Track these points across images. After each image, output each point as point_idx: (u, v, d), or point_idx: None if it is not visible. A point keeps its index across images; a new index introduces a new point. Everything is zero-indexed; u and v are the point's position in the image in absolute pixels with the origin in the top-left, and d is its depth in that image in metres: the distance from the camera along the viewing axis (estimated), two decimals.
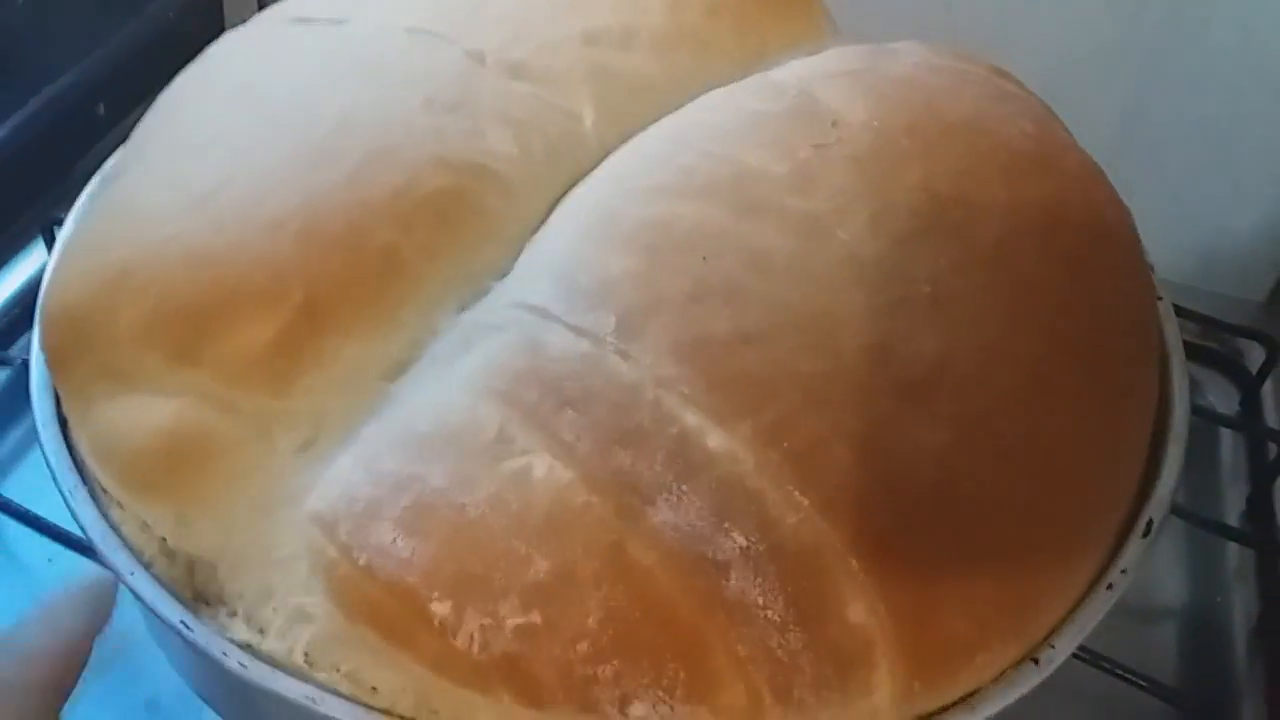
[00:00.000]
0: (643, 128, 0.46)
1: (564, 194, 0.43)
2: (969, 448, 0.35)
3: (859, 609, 0.32)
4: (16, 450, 0.58)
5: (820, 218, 0.39)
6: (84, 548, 0.42)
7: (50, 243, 0.61)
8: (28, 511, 0.48)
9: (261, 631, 0.34)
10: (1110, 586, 0.36)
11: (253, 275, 0.36)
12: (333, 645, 0.33)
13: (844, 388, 0.35)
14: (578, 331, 0.35)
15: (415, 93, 0.43)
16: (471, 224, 0.40)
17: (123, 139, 0.46)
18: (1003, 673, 0.34)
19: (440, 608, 0.31)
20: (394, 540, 0.31)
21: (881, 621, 0.32)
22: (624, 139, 0.45)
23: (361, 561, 0.32)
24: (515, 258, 0.40)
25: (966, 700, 0.34)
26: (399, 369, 0.37)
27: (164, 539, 0.36)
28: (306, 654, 0.33)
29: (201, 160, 0.40)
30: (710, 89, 0.47)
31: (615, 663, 0.30)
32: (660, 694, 0.31)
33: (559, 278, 0.37)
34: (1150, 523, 0.39)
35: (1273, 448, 0.55)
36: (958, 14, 0.61)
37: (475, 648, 0.30)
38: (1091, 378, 0.38)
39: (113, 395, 0.37)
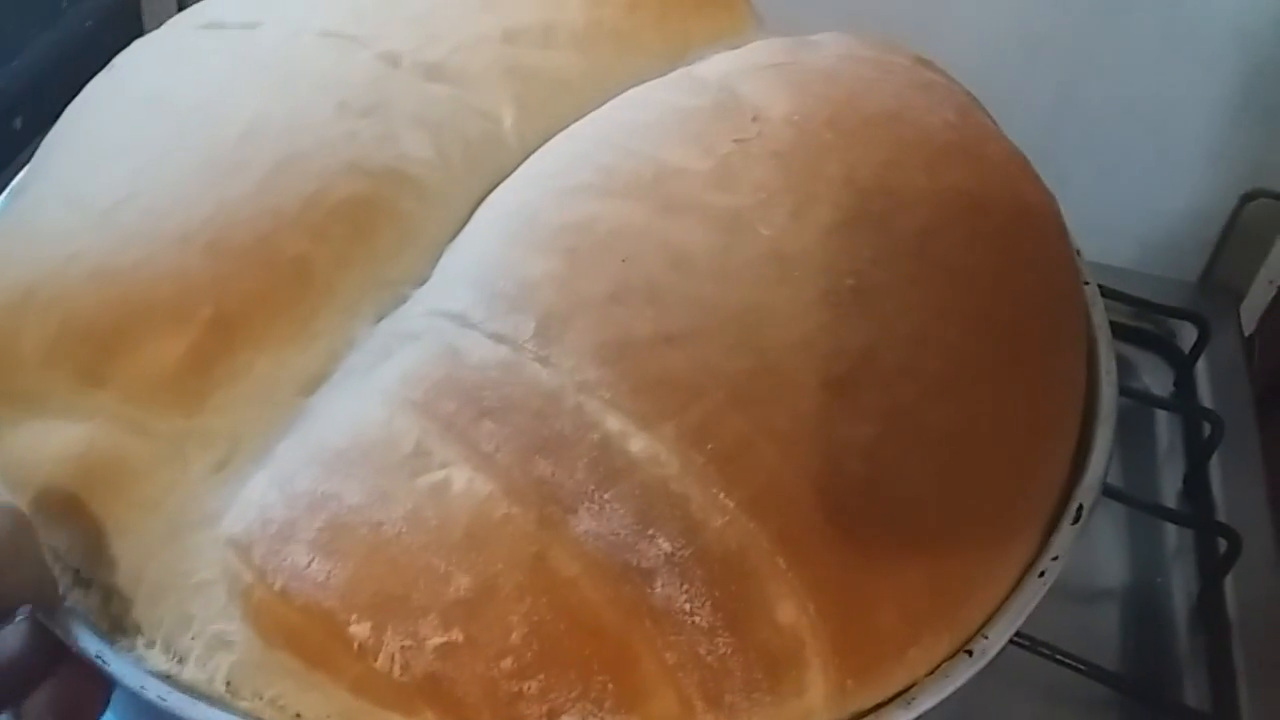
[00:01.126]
0: (564, 126, 0.45)
1: (484, 197, 0.42)
2: (896, 440, 0.35)
3: (788, 609, 0.32)
4: None
5: (742, 213, 0.39)
6: None
7: None
8: None
9: (180, 660, 0.33)
10: (1042, 574, 0.36)
11: (159, 291, 0.35)
12: (254, 672, 0.32)
13: (769, 384, 0.34)
14: (496, 338, 0.35)
15: (327, 98, 0.42)
16: (387, 231, 0.39)
17: None
18: (938, 665, 0.34)
19: (359, 630, 0.30)
20: (310, 563, 0.31)
21: (811, 620, 0.32)
22: (545, 138, 0.44)
23: (277, 586, 0.31)
24: (435, 264, 0.40)
25: (903, 695, 0.33)
26: (315, 382, 0.36)
27: (77, 569, 0.35)
28: (228, 682, 0.32)
29: (104, 174, 0.39)
30: (633, 85, 0.47)
31: (541, 677, 0.30)
32: (589, 706, 0.30)
33: (478, 283, 0.37)
34: (1080, 508, 0.39)
35: (1207, 426, 0.56)
36: (886, 3, 0.60)
37: (396, 669, 0.30)
38: (1017, 364, 0.38)
39: (19, 421, 0.36)
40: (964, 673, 0.34)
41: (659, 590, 0.31)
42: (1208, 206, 0.66)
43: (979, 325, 0.39)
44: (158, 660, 0.33)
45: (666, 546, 0.31)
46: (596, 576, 0.30)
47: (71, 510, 0.35)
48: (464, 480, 0.32)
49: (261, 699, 0.32)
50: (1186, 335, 0.61)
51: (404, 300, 0.38)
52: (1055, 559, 0.36)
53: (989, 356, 0.38)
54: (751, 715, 0.31)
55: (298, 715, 0.32)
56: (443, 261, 0.39)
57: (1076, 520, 0.38)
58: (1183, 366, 0.61)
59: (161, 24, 0.48)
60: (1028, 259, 0.42)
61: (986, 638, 0.34)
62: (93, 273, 0.36)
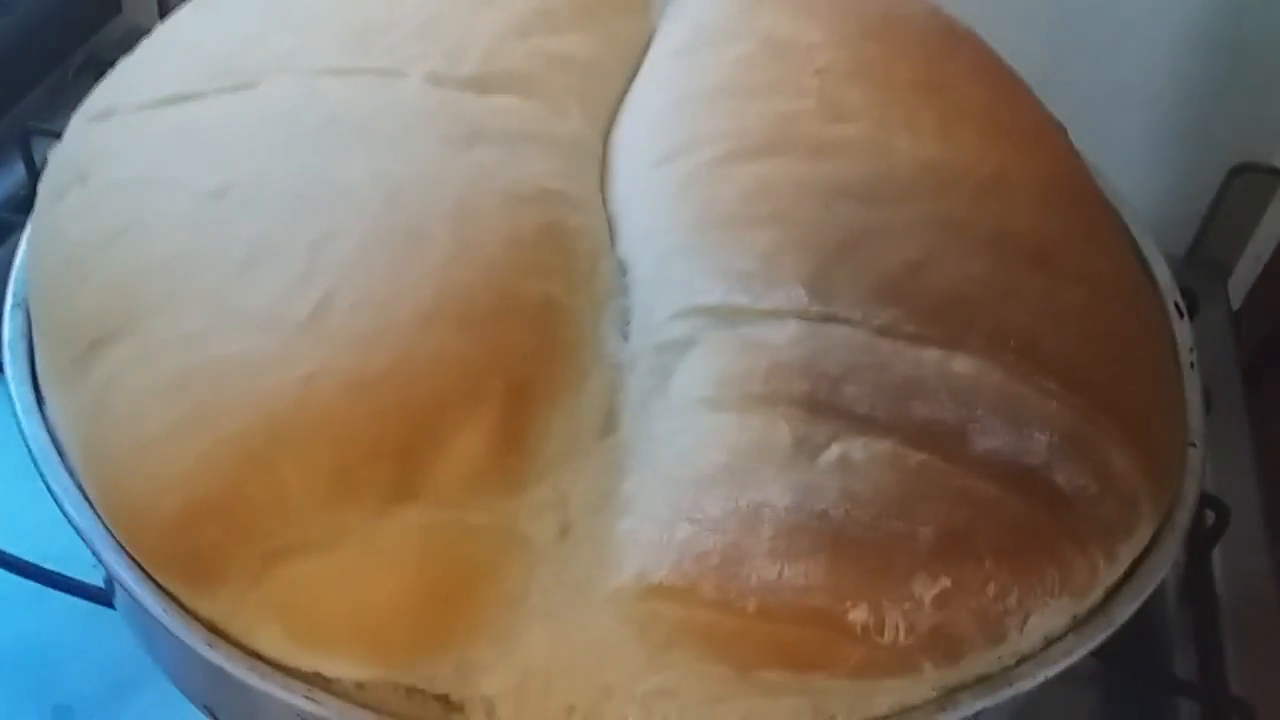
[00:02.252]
0: (613, 103, 0.45)
1: (601, 192, 0.41)
2: (1103, 298, 0.39)
3: (1119, 459, 0.36)
4: None
5: (873, 137, 0.41)
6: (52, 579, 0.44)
7: None
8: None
9: None
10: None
11: (440, 381, 0.32)
12: (710, 708, 0.32)
13: (1007, 277, 0.38)
14: (778, 314, 0.35)
15: (423, 137, 0.39)
16: (577, 246, 0.37)
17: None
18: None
19: (858, 614, 0.31)
20: (780, 573, 0.31)
21: (1133, 459, 0.36)
22: (607, 120, 0.44)
23: (751, 609, 0.30)
24: (616, 266, 0.39)
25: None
26: (606, 419, 0.35)
27: (446, 695, 0.32)
28: None
29: (258, 285, 0.34)
30: (639, 46, 0.47)
31: (1016, 590, 0.32)
32: (1045, 598, 0.33)
33: (712, 271, 0.37)
34: (1177, 304, 0.45)
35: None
36: None
37: (901, 635, 0.31)
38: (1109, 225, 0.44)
39: (302, 573, 0.32)
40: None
41: (1059, 478, 0.34)
42: (1196, 181, 0.66)
43: (1066, 184, 0.44)
44: None
45: (1042, 439, 0.34)
46: (1014, 486, 0.33)
47: (425, 641, 0.32)
48: (859, 447, 0.33)
49: None
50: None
51: (626, 311, 0.37)
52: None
53: (1093, 222, 0.43)
54: (1125, 555, 0.36)
55: None
56: (639, 265, 0.38)
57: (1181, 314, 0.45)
58: None
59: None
60: (1046, 113, 0.48)
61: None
62: (348, 387, 0.32)
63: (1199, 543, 0.51)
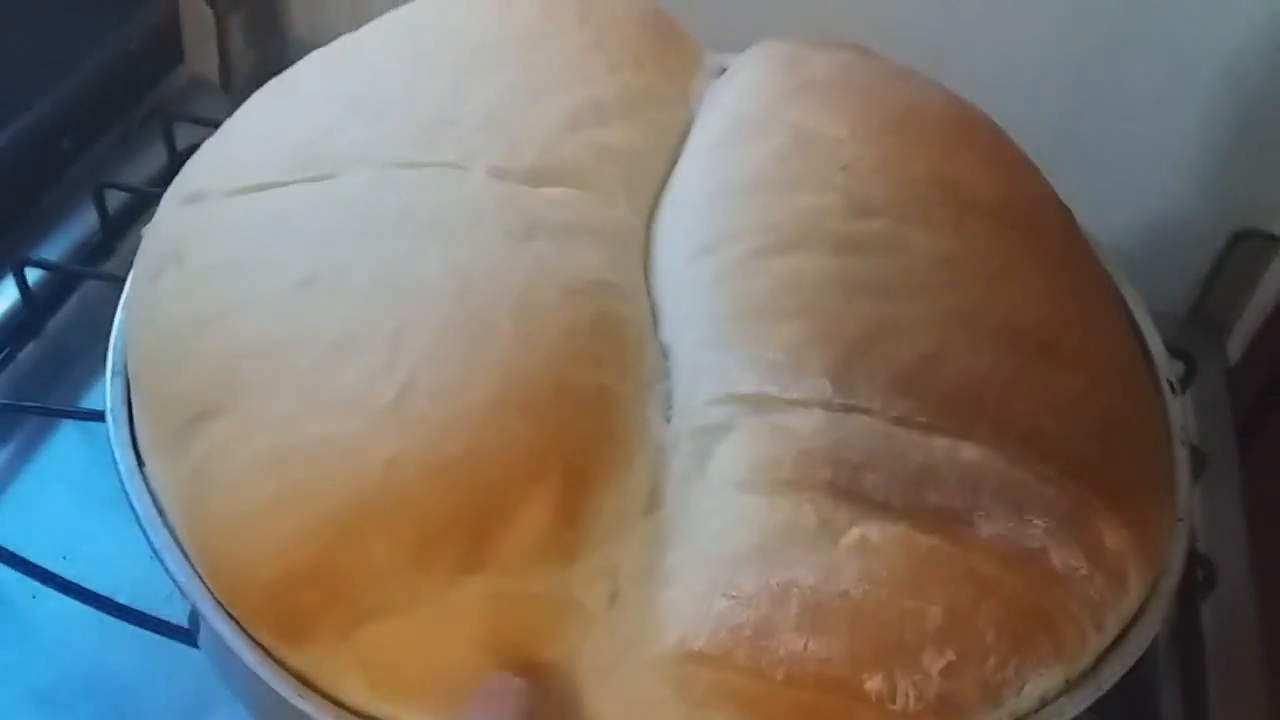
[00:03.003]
0: (655, 192, 0.49)
1: (647, 279, 0.46)
2: (1099, 385, 0.43)
3: (1111, 536, 0.40)
4: None
5: (894, 233, 0.45)
6: (63, 585, 0.48)
7: (22, 283, 0.62)
8: (7, 550, 0.49)
9: None
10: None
11: (506, 465, 0.36)
12: None
13: (1012, 369, 0.42)
14: (804, 404, 0.39)
15: (488, 232, 0.43)
16: (626, 335, 0.42)
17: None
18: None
19: (874, 684, 0.35)
20: (805, 646, 0.35)
21: (1124, 538, 0.40)
22: (649, 209, 0.48)
23: (780, 677, 0.35)
24: (660, 352, 0.43)
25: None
26: (651, 496, 0.39)
27: None
28: None
29: (345, 375, 0.38)
30: (678, 136, 0.51)
31: (1014, 661, 0.36)
32: (1039, 667, 0.37)
33: (745, 362, 0.41)
34: (1171, 383, 0.49)
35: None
36: (893, 37, 0.57)
37: (911, 702, 0.35)
38: (1105, 308, 0.48)
39: (385, 633, 0.36)
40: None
41: (1054, 560, 0.38)
42: (1198, 244, 0.70)
43: (1069, 272, 0.48)
44: None
45: (1040, 524, 0.38)
46: (1014, 568, 0.37)
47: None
48: (876, 530, 0.37)
49: None
50: (1173, 366, 0.59)
51: (668, 394, 0.41)
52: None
53: (1094, 307, 0.47)
54: (1113, 624, 0.40)
55: None
56: (679, 351, 0.42)
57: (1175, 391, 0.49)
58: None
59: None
60: (1053, 198, 0.52)
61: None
62: (427, 469, 0.36)
63: (1188, 597, 0.55)
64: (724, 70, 0.56)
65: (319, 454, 0.37)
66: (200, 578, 0.39)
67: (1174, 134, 0.67)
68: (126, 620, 0.49)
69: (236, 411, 0.39)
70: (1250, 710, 0.51)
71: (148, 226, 0.48)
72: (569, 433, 0.37)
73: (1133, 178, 0.69)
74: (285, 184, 0.45)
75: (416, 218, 0.43)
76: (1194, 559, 0.55)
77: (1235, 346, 0.74)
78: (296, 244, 0.43)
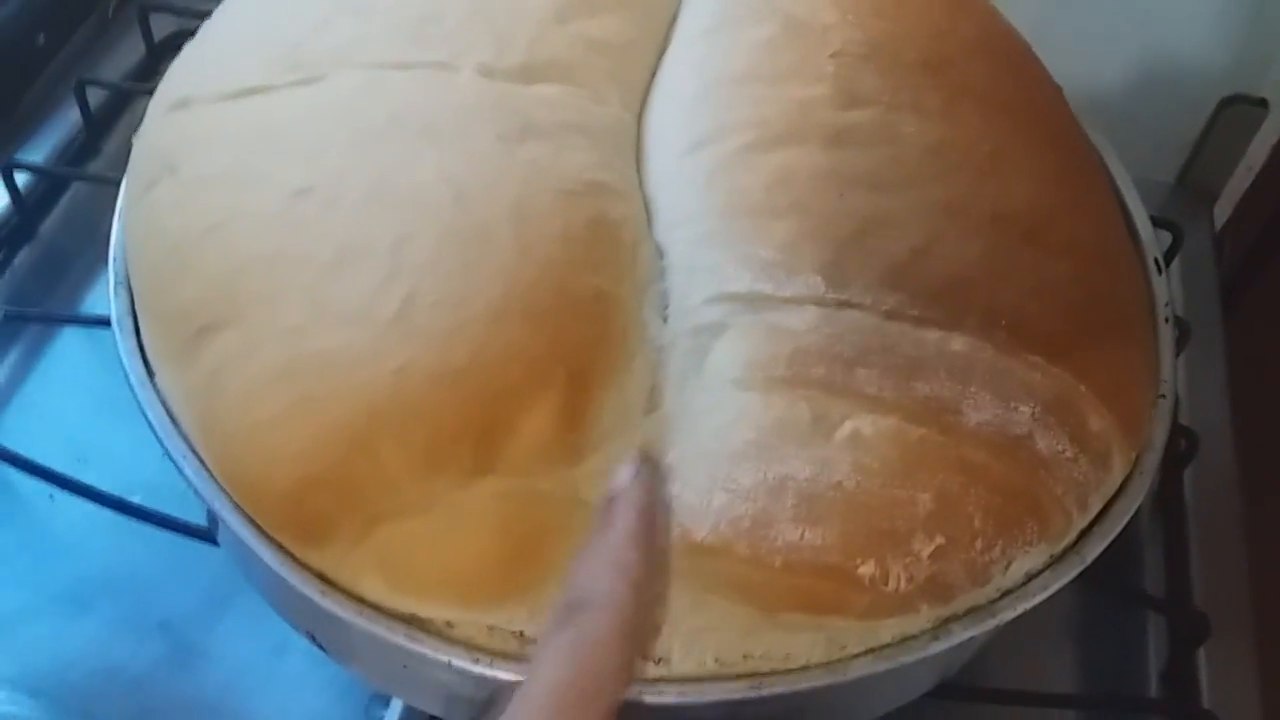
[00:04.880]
0: (647, 83, 0.49)
1: (639, 177, 0.46)
2: (1086, 269, 0.44)
3: (1094, 419, 0.41)
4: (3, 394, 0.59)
5: (883, 122, 0.45)
6: (82, 489, 0.50)
7: (11, 186, 0.62)
8: (24, 458, 0.51)
9: (663, 662, 0.38)
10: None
11: (511, 372, 0.38)
12: (742, 640, 0.38)
13: (1003, 256, 0.43)
14: (798, 301, 0.40)
15: (481, 134, 0.43)
16: (621, 236, 0.42)
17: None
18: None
19: (867, 569, 0.37)
20: (801, 535, 0.37)
21: (1107, 419, 0.42)
22: (641, 100, 0.48)
23: (778, 564, 0.37)
24: (655, 251, 0.44)
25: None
26: (651, 395, 0.40)
27: (521, 632, 0.39)
28: (716, 659, 0.38)
29: (348, 284, 0.39)
30: (667, 20, 0.51)
31: (1000, 543, 0.38)
32: (1025, 546, 0.39)
33: (739, 260, 0.41)
34: (1157, 260, 0.50)
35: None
36: None
37: (903, 584, 0.37)
38: (1086, 175, 0.48)
39: (400, 533, 0.38)
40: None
41: (1040, 445, 0.39)
42: (1188, 109, 0.69)
43: (1058, 154, 0.48)
44: (642, 670, 0.38)
45: (1026, 410, 0.39)
46: (1001, 454, 0.39)
47: (509, 586, 0.38)
48: (869, 424, 0.38)
49: (749, 659, 0.38)
50: (1161, 238, 0.58)
51: (664, 294, 0.42)
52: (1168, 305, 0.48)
53: (1081, 188, 0.48)
54: (1096, 503, 0.41)
55: (787, 655, 0.39)
56: (671, 249, 0.43)
57: (1160, 271, 0.50)
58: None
59: None
60: (1043, 78, 0.52)
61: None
62: (434, 377, 0.37)
63: (1171, 465, 0.57)
64: None
65: (327, 365, 0.38)
66: (218, 484, 0.40)
67: (1160, 4, 0.67)
68: (146, 521, 0.51)
69: (242, 324, 0.40)
70: (1230, 574, 0.54)
71: (136, 134, 0.47)
72: (569, 338, 0.38)
73: (1120, 45, 0.70)
74: (274, 88, 0.45)
75: (408, 122, 0.43)
76: (1177, 430, 0.56)
77: (1222, 210, 0.75)
78: (289, 153, 0.43)
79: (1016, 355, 0.40)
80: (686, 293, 0.41)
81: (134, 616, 0.53)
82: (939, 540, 0.37)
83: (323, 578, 0.39)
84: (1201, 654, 0.52)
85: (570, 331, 0.38)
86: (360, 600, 0.39)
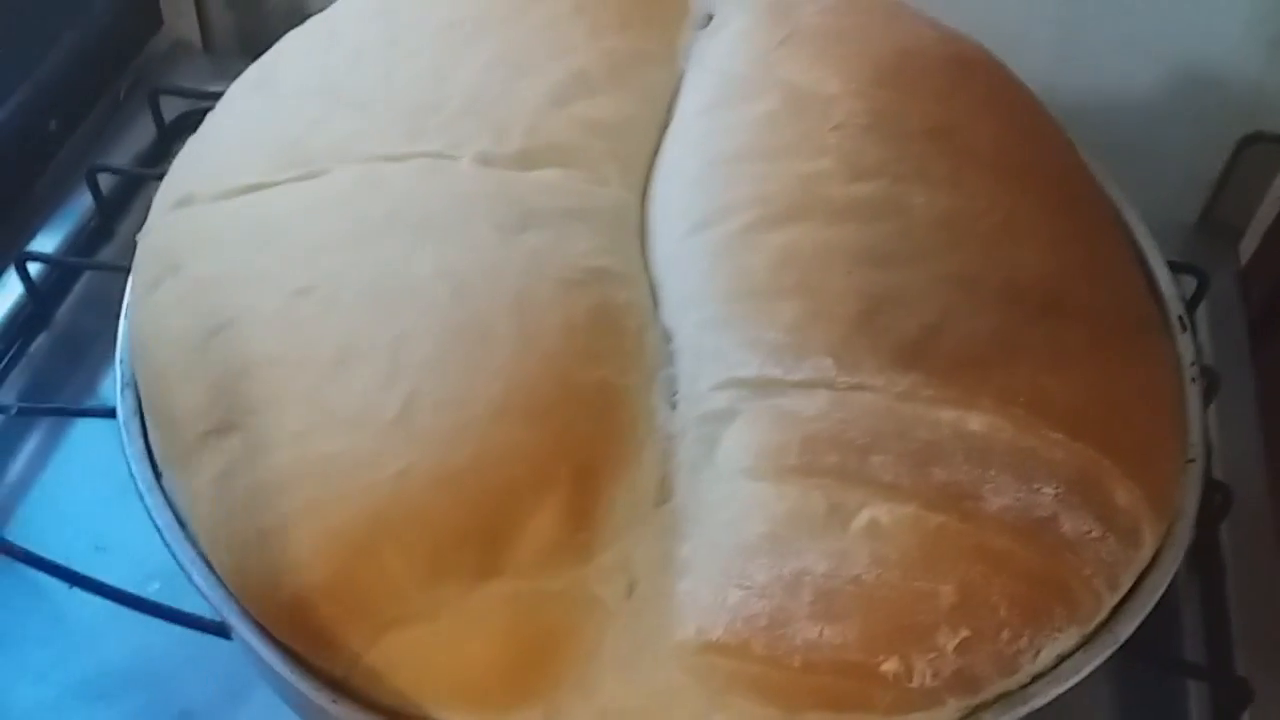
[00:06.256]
0: (648, 161, 0.48)
1: (644, 259, 0.45)
2: (1104, 334, 0.43)
3: (1121, 493, 0.40)
4: (14, 492, 0.58)
5: (891, 196, 0.45)
6: (96, 586, 0.49)
7: (25, 277, 0.62)
8: (38, 556, 0.50)
9: None
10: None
11: (513, 472, 0.37)
12: None
13: (1015, 333, 0.42)
14: (808, 385, 0.39)
15: (480, 226, 0.43)
16: (626, 324, 0.41)
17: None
18: None
19: (890, 665, 0.35)
20: (820, 633, 0.35)
21: (1134, 494, 0.40)
22: (643, 180, 0.48)
23: (797, 664, 0.35)
24: (662, 335, 0.43)
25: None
26: (661, 487, 0.39)
27: None
28: None
29: (347, 387, 0.39)
30: (668, 95, 0.50)
31: (1028, 632, 0.37)
32: (1053, 633, 0.37)
33: (746, 344, 0.41)
34: (1181, 319, 0.49)
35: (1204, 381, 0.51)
36: None
37: (928, 679, 0.36)
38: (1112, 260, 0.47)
39: (408, 641, 0.37)
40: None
41: (1065, 527, 0.38)
42: (1208, 148, 0.68)
43: (1071, 215, 0.47)
44: None
45: (1050, 491, 0.38)
46: (1024, 539, 0.37)
47: (520, 693, 0.37)
48: (885, 513, 0.37)
49: None
50: (1186, 283, 0.59)
51: (673, 380, 0.41)
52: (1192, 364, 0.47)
53: (1098, 250, 0.46)
54: (1127, 580, 0.40)
55: None
56: (682, 332, 0.42)
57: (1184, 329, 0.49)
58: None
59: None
60: (1054, 133, 0.51)
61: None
62: (437, 481, 0.37)
63: (1205, 522, 0.55)
64: (710, 18, 0.55)
65: (329, 470, 0.37)
66: (227, 590, 0.40)
67: (1179, 37, 0.66)
68: (160, 617, 0.50)
69: (245, 429, 0.39)
70: (1272, 635, 0.52)
71: (140, 233, 0.47)
72: (574, 433, 0.38)
73: (1138, 84, 0.69)
74: (273, 184, 0.45)
75: (407, 216, 0.43)
76: (1210, 485, 0.54)
77: (1247, 248, 0.73)
78: (289, 252, 0.43)
79: (1036, 433, 0.39)
80: (695, 378, 0.41)
81: (154, 708, 0.53)
82: (964, 633, 0.36)
83: (334, 680, 0.38)
84: (1246, 719, 0.50)
85: (574, 426, 0.38)
86: (374, 707, 0.38)
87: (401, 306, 0.40)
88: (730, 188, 0.45)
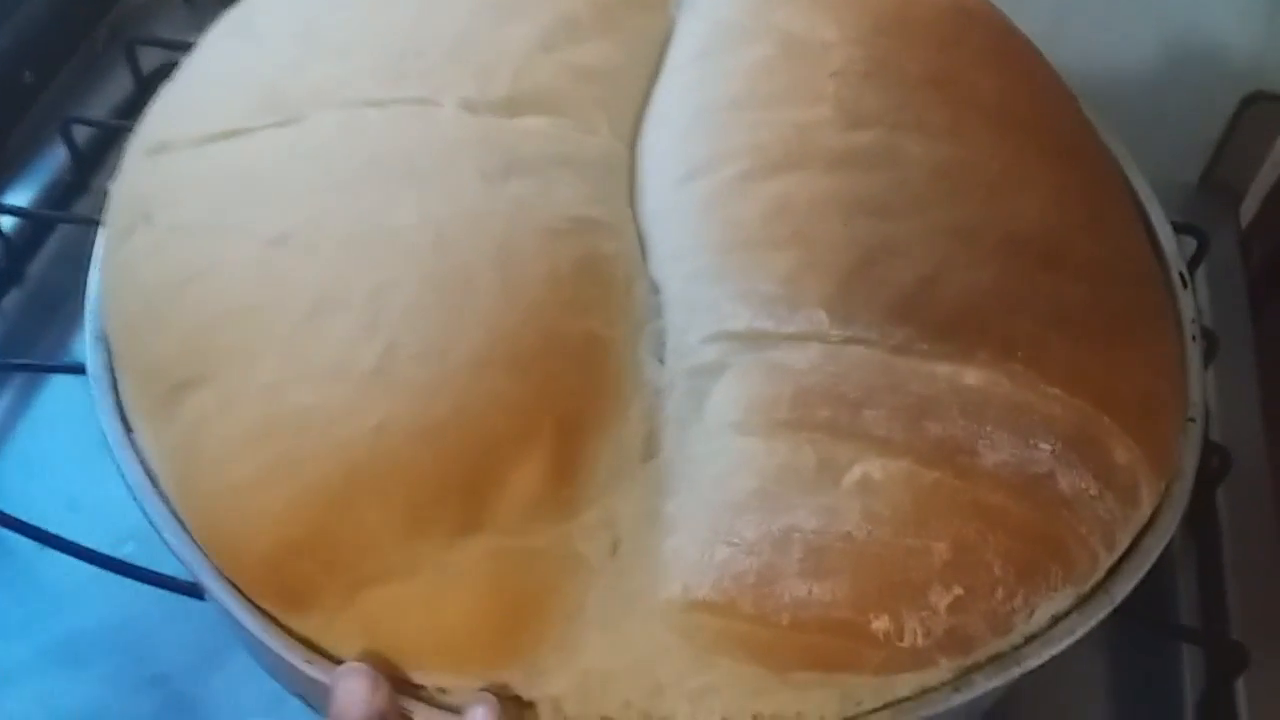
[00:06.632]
0: (638, 109, 0.47)
1: (633, 209, 0.44)
2: (1106, 290, 0.42)
3: (1120, 451, 0.39)
4: None
5: (890, 145, 0.43)
6: (67, 546, 0.49)
7: None
8: (8, 515, 0.49)
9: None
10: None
11: (494, 424, 0.36)
12: (751, 699, 0.36)
13: (1018, 283, 0.40)
14: (801, 339, 0.38)
15: (464, 172, 0.41)
16: (613, 275, 0.40)
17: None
18: None
19: (880, 623, 0.34)
20: (809, 591, 0.34)
21: (1134, 451, 0.39)
22: (633, 128, 0.46)
23: (785, 622, 0.34)
24: (650, 287, 0.42)
25: None
26: (648, 442, 0.38)
27: (517, 696, 0.37)
28: (723, 718, 0.36)
29: (326, 335, 0.37)
30: (659, 43, 0.49)
31: (1022, 591, 0.36)
32: (1050, 592, 0.36)
33: (736, 296, 0.39)
34: (1182, 275, 0.48)
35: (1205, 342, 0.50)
36: None
37: (919, 639, 0.35)
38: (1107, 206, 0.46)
39: (386, 598, 0.36)
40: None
41: (1062, 484, 0.37)
42: (1210, 108, 0.67)
43: (1073, 169, 0.46)
44: None
45: (1046, 447, 0.37)
46: (1020, 496, 0.36)
47: (504, 649, 0.36)
48: (878, 468, 0.36)
49: (764, 716, 0.36)
50: (1186, 244, 0.56)
51: (661, 333, 0.40)
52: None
53: (1099, 204, 0.45)
54: (1124, 539, 0.39)
55: (798, 714, 0.36)
56: (670, 285, 0.41)
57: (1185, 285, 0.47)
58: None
59: None
60: (1057, 86, 0.50)
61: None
62: (414, 434, 0.35)
63: (1203, 486, 0.55)
64: None
65: (304, 424, 0.36)
66: (199, 548, 0.38)
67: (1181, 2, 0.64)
68: (134, 578, 0.49)
69: (218, 381, 0.38)
70: (1268, 599, 0.51)
71: (113, 181, 0.46)
72: (558, 385, 0.36)
73: (1139, 44, 0.68)
74: (251, 130, 0.44)
75: (388, 163, 0.41)
76: (1208, 448, 0.53)
77: (1248, 208, 0.72)
78: (266, 199, 0.41)
79: (1034, 388, 0.38)
80: (684, 331, 0.39)
81: (129, 670, 0.52)
82: (957, 591, 0.35)
83: (309, 642, 0.37)
84: (1240, 685, 0.49)
85: (558, 378, 0.36)
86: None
87: (381, 255, 0.38)
88: (723, 136, 0.43)
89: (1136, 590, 0.40)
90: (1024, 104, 0.46)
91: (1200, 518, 0.54)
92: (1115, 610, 0.39)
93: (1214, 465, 0.54)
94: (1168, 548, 0.48)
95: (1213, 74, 0.68)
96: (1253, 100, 0.68)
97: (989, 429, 0.37)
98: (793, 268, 0.39)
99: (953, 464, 0.36)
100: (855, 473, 0.36)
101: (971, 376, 0.38)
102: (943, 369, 0.38)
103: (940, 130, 0.43)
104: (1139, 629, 0.50)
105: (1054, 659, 0.38)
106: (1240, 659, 0.47)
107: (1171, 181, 0.67)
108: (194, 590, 0.48)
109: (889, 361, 0.37)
